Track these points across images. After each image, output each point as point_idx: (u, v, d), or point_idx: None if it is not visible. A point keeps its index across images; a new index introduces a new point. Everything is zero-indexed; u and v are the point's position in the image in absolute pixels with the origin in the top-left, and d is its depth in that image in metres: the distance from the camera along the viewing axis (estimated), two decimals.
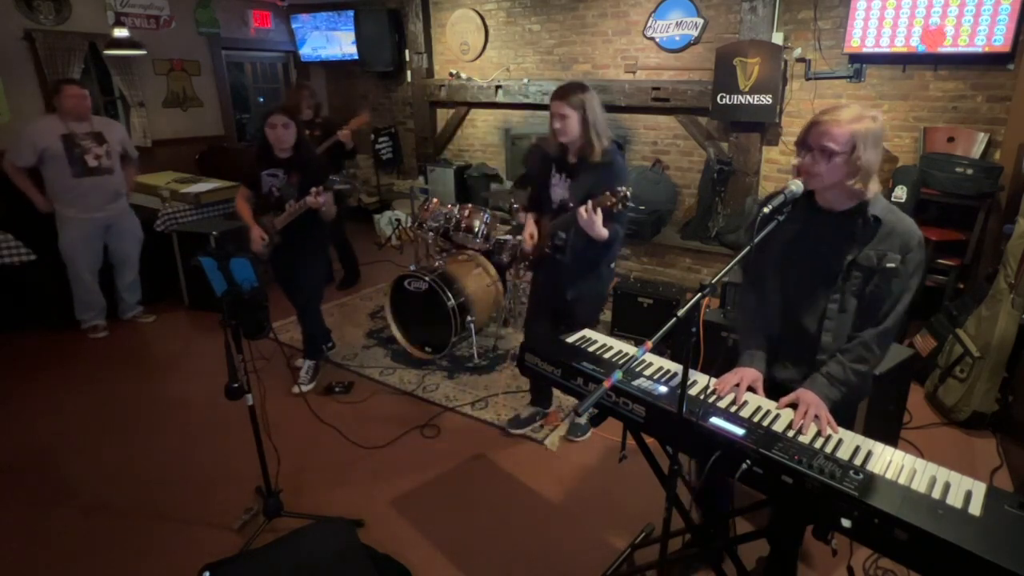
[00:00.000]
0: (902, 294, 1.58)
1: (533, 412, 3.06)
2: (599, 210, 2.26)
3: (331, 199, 3.06)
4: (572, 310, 2.66)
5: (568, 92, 2.39)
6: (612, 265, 2.70)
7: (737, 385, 1.67)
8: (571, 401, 3.05)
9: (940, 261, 3.79)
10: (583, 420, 2.99)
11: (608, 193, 2.24)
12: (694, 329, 1.40)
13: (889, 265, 1.54)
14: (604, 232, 2.32)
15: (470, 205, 3.97)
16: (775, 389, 1.72)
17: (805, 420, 1.51)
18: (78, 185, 3.79)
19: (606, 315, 4.31)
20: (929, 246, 3.72)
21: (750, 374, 1.70)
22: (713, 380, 1.72)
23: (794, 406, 1.58)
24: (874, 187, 1.56)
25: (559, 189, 2.60)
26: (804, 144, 1.57)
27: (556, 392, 3.25)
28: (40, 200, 3.84)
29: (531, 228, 2.76)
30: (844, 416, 1.61)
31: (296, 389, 3.31)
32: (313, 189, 2.94)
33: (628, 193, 2.23)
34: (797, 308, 1.71)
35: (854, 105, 1.58)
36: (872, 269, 1.57)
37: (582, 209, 2.29)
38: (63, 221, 3.87)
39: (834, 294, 1.63)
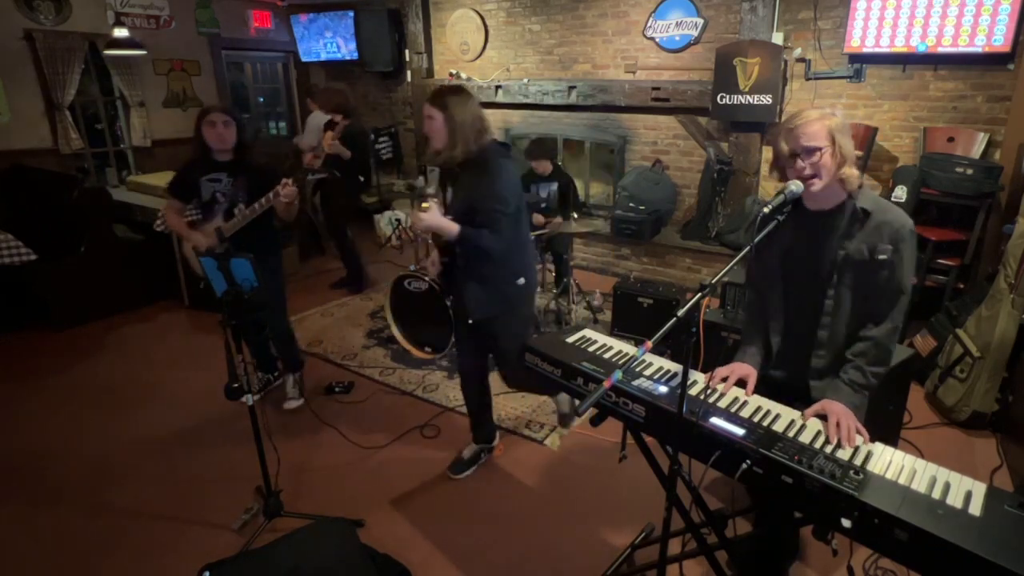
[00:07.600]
0: (902, 286, 1.58)
1: (477, 450, 2.79)
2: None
3: (296, 196, 2.73)
4: (493, 337, 2.50)
5: (436, 95, 2.26)
6: (520, 281, 2.44)
7: (725, 379, 1.69)
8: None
9: (940, 261, 3.78)
10: (565, 432, 3.01)
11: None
12: (694, 329, 1.40)
13: (881, 257, 1.56)
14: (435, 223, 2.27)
15: None
16: (769, 386, 1.73)
17: (840, 432, 1.45)
18: None
19: (606, 315, 4.32)
20: (929, 246, 3.72)
21: (741, 368, 1.73)
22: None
23: (823, 417, 1.54)
24: (856, 178, 1.58)
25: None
26: (789, 153, 1.59)
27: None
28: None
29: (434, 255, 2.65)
30: None
31: (288, 405, 3.22)
32: (284, 180, 2.64)
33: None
34: (797, 311, 1.72)
35: (806, 108, 1.62)
36: (865, 262, 1.58)
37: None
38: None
39: (829, 291, 1.64)
